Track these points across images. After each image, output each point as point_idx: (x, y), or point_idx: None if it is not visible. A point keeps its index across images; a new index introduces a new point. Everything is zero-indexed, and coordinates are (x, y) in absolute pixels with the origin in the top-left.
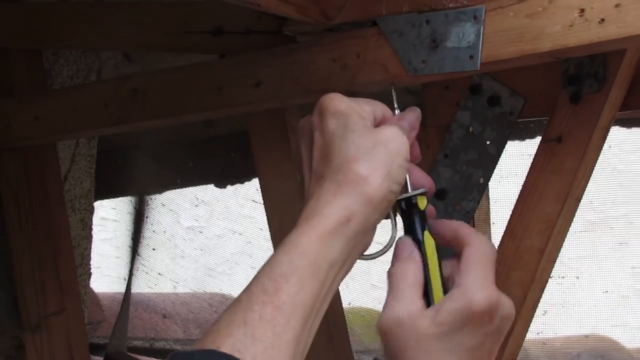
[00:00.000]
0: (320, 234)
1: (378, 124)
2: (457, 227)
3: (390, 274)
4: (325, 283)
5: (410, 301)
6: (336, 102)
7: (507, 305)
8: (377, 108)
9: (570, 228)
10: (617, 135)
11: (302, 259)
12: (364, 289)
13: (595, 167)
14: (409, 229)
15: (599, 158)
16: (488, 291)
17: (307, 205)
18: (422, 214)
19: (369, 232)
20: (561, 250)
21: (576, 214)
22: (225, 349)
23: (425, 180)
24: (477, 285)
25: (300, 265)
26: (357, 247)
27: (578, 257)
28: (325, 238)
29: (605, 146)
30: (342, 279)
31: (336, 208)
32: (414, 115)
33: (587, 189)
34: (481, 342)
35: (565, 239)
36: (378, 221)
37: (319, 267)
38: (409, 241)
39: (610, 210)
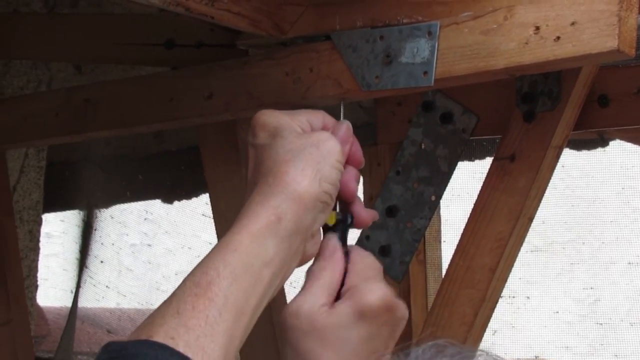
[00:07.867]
0: (251, 232)
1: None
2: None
3: (307, 271)
4: (261, 281)
5: (315, 297)
6: (264, 116)
7: (402, 306)
8: (315, 117)
9: (522, 248)
10: (569, 158)
11: (234, 256)
12: None
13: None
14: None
15: (552, 179)
16: (381, 290)
17: (241, 210)
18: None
19: (303, 233)
20: (512, 270)
21: (528, 234)
22: (159, 337)
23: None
24: (370, 284)
25: (232, 261)
26: (293, 249)
27: (529, 278)
28: (257, 237)
29: (559, 166)
30: (281, 281)
31: (266, 207)
32: (342, 128)
33: (539, 210)
34: (377, 332)
35: (517, 259)
36: (315, 224)
37: (251, 264)
38: (333, 240)
39: (562, 232)
